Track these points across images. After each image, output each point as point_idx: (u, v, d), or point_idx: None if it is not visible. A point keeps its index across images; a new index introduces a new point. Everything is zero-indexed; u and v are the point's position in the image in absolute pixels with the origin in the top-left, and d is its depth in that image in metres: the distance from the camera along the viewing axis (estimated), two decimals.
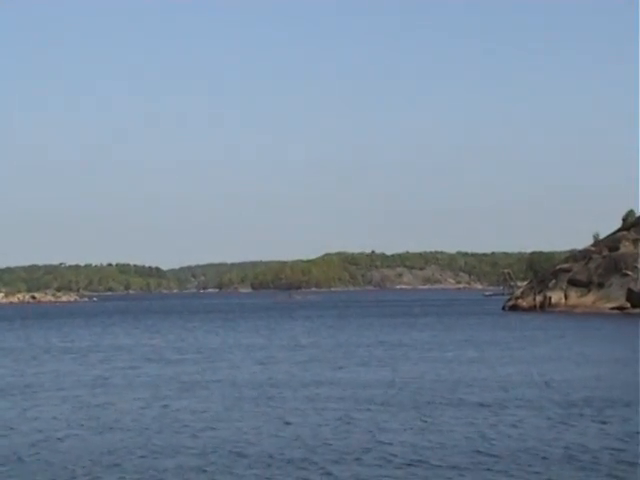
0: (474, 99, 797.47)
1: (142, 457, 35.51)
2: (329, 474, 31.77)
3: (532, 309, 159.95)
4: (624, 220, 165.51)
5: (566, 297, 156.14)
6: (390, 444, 37.22)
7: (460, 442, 37.30)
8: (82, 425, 44.04)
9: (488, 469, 31.80)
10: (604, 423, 41.32)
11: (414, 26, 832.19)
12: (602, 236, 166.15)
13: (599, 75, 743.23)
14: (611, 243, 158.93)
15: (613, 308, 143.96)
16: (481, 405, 47.99)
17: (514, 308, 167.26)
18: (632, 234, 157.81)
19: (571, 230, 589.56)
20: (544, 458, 33.35)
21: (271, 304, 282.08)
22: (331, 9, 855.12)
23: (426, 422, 42.77)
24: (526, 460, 33.15)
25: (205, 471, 32.64)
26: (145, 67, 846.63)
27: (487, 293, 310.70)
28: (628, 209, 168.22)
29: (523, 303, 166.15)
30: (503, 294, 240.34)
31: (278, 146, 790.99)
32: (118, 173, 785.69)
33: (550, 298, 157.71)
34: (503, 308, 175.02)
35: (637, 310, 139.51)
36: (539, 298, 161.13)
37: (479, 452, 35.10)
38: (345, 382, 59.92)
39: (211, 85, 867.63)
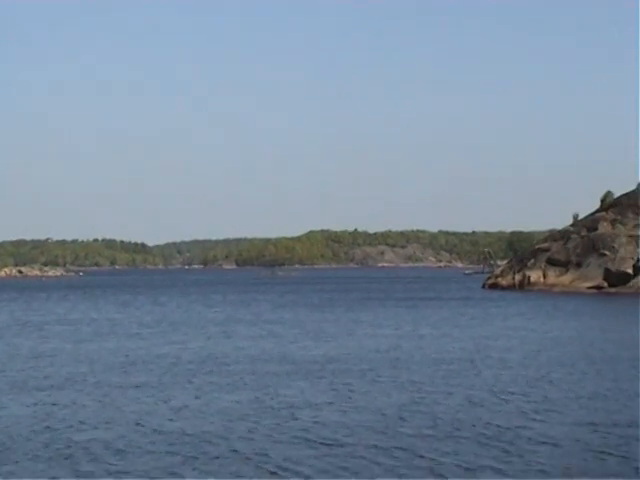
0: (457, 84, 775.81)
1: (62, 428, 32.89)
2: (234, 450, 28.98)
3: (511, 287, 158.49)
4: (602, 201, 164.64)
5: (545, 276, 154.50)
6: (305, 420, 34.62)
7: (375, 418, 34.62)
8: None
9: (401, 448, 29.15)
10: (525, 400, 38.82)
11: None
12: (581, 216, 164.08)
13: (576, 59, 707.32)
14: (589, 223, 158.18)
15: (590, 287, 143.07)
16: (412, 382, 45.20)
17: (494, 286, 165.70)
18: (610, 215, 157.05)
19: (551, 210, 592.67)
20: (456, 437, 31.00)
21: (253, 280, 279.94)
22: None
23: (349, 397, 40.15)
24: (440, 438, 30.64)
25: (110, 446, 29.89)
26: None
27: (467, 272, 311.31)
28: (606, 190, 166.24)
29: (502, 282, 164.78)
30: (483, 272, 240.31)
31: (264, 125, 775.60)
32: (103, 148, 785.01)
33: (529, 277, 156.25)
34: (483, 286, 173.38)
35: (614, 289, 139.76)
36: (518, 277, 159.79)
37: (392, 430, 32.37)
38: (286, 357, 57.09)
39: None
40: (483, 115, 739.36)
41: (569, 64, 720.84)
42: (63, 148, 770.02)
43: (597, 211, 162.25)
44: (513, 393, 40.55)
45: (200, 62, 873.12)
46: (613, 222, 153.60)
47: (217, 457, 27.72)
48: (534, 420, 33.85)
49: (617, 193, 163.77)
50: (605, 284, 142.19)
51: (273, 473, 25.76)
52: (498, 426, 32.59)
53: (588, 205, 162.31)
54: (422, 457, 27.50)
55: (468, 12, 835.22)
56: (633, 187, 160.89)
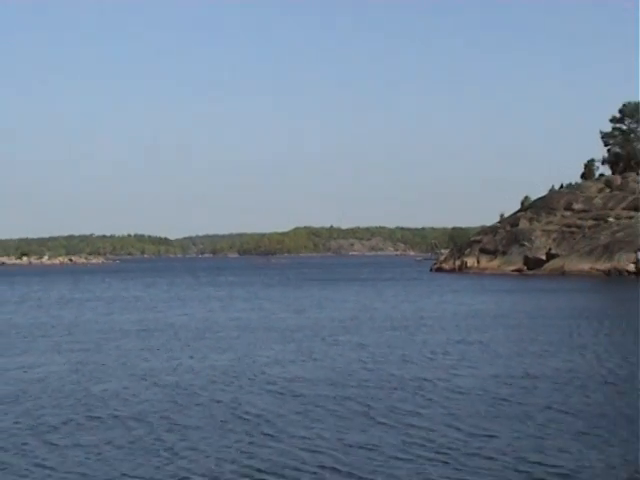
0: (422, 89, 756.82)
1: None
2: (214, 400, 28.75)
3: (452, 271, 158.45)
4: (522, 204, 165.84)
5: (478, 262, 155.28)
6: (273, 375, 34.21)
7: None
8: None
9: (346, 397, 29.04)
10: (447, 358, 38.48)
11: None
12: (506, 215, 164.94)
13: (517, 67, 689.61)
14: (512, 221, 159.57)
15: (513, 270, 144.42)
16: (361, 344, 44.92)
17: (439, 270, 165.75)
18: (528, 214, 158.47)
19: (483, 211, 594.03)
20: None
21: (251, 266, 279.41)
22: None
23: (310, 357, 39.87)
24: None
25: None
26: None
27: (418, 258, 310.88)
28: (525, 195, 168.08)
29: (445, 266, 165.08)
30: (431, 259, 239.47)
31: (260, 138, 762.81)
32: (135, 155, 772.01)
33: (466, 262, 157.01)
34: (430, 270, 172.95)
35: (531, 272, 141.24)
36: (458, 262, 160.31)
37: (341, 382, 32.17)
38: (266, 326, 56.65)
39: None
40: (430, 134, 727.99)
41: (492, 97, 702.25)
42: (103, 156, 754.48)
43: (518, 211, 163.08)
44: (438, 353, 40.47)
45: (213, 63, 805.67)
46: (530, 220, 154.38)
47: (200, 404, 27.69)
48: (453, 374, 33.72)
49: (533, 197, 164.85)
50: (524, 268, 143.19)
51: (241, 417, 25.76)
52: (424, 379, 32.38)
53: (511, 206, 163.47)
54: (360, 403, 27.44)
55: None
56: (545, 193, 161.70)
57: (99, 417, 25.91)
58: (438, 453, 20.96)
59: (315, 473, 19.33)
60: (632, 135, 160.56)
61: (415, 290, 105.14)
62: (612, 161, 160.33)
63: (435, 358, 38.72)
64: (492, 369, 34.94)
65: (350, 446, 21.87)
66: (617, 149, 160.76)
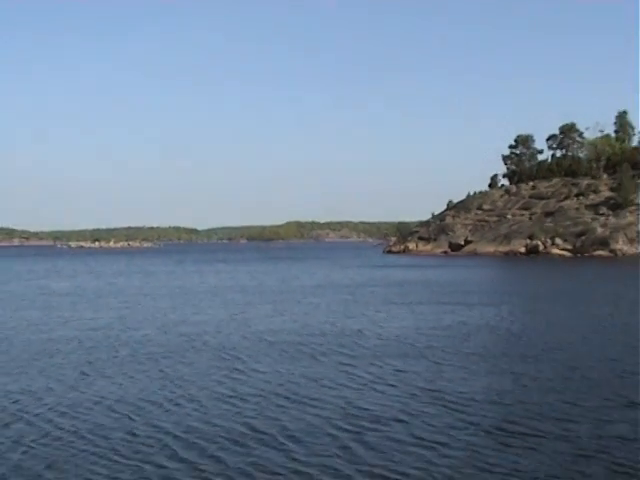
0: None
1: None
2: (206, 344, 28.20)
3: (399, 252, 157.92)
4: (447, 205, 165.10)
5: (417, 246, 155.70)
6: (254, 327, 33.74)
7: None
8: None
9: (301, 343, 28.53)
10: (375, 313, 38.02)
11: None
12: (436, 213, 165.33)
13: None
14: (441, 217, 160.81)
15: (441, 252, 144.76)
16: (316, 304, 44.33)
17: (389, 252, 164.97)
18: (452, 212, 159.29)
19: (420, 209, 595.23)
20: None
21: (256, 248, 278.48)
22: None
23: (282, 314, 39.11)
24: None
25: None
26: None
27: (375, 244, 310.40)
28: (449, 199, 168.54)
29: (394, 249, 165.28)
30: (383, 244, 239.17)
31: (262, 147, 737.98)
32: (168, 161, 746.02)
33: (408, 246, 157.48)
34: (383, 252, 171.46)
35: (454, 253, 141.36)
36: (402, 246, 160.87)
37: (302, 333, 31.64)
38: (254, 289, 56.06)
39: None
40: (386, 152, 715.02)
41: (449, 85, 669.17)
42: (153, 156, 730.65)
43: (445, 210, 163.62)
44: (369, 311, 39.75)
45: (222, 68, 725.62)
46: (453, 216, 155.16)
47: (196, 348, 27.23)
48: (381, 326, 33.21)
49: (455, 200, 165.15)
50: (449, 250, 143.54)
51: (222, 357, 25.29)
52: (359, 330, 31.96)
53: (440, 207, 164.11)
54: (309, 347, 27.01)
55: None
56: (464, 197, 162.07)
57: (122, 356, 25.55)
58: (359, 384, 20.60)
59: (268, 398, 18.94)
60: (523, 157, 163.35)
61: (370, 264, 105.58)
62: (510, 175, 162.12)
63: (366, 315, 38.05)
64: (411, 322, 34.48)
65: (297, 377, 21.52)
66: (513, 167, 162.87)
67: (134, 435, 15.81)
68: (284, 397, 19.06)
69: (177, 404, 18.50)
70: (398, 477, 13.00)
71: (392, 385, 20.24)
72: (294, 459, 14.09)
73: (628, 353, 24.54)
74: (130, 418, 17.16)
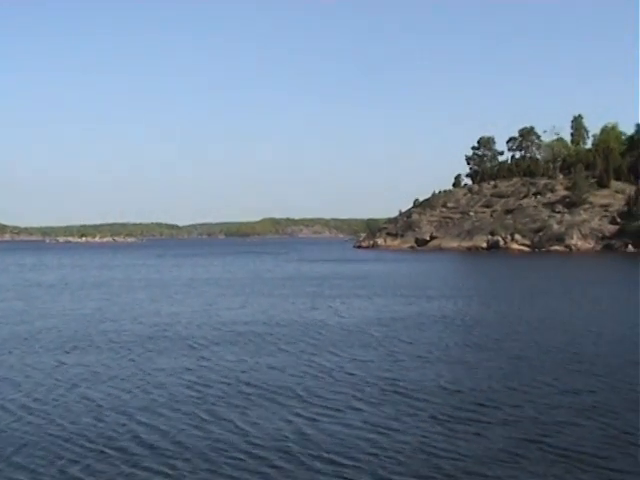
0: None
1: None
2: (165, 329, 28.00)
3: (368, 247, 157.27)
4: (414, 203, 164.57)
5: (385, 241, 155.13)
6: (218, 315, 33.65)
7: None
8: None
9: (262, 331, 28.04)
10: (340, 303, 37.95)
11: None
12: (403, 210, 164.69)
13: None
14: (408, 214, 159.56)
15: (408, 247, 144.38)
16: (282, 294, 44.23)
17: (359, 247, 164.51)
18: (418, 210, 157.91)
19: (387, 207, 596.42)
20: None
21: (233, 243, 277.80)
22: None
23: (243, 305, 38.98)
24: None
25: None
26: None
27: (345, 239, 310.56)
28: (416, 197, 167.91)
29: (364, 244, 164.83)
30: (354, 240, 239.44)
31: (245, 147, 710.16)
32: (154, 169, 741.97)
33: (377, 242, 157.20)
34: (353, 247, 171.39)
35: (420, 248, 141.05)
36: (372, 242, 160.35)
37: (264, 321, 31.38)
38: (226, 281, 56.00)
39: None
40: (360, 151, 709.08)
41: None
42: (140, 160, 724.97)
43: (411, 208, 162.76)
44: (334, 302, 39.62)
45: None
46: (419, 214, 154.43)
47: (166, 336, 27.11)
48: (341, 316, 33.25)
49: (421, 199, 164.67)
50: (415, 245, 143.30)
51: (190, 345, 25.20)
52: (320, 320, 31.95)
53: (407, 204, 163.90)
54: (273, 337, 27.01)
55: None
56: (429, 196, 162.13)
57: (97, 345, 25.37)
58: (318, 371, 20.57)
59: (231, 385, 18.88)
60: (485, 158, 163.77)
61: (343, 258, 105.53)
62: (472, 175, 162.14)
63: (336, 306, 38.05)
64: (373, 313, 34.44)
65: (260, 365, 21.43)
66: (475, 167, 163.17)
67: (101, 420, 15.69)
68: (246, 384, 18.97)
69: (145, 391, 18.39)
70: (349, 462, 12.91)
71: (350, 373, 20.17)
72: (252, 443, 14.01)
73: (574, 342, 24.64)
74: (99, 405, 17.02)
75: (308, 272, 70.17)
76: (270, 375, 20.09)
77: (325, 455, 13.27)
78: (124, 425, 15.33)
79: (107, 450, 13.70)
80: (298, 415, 15.93)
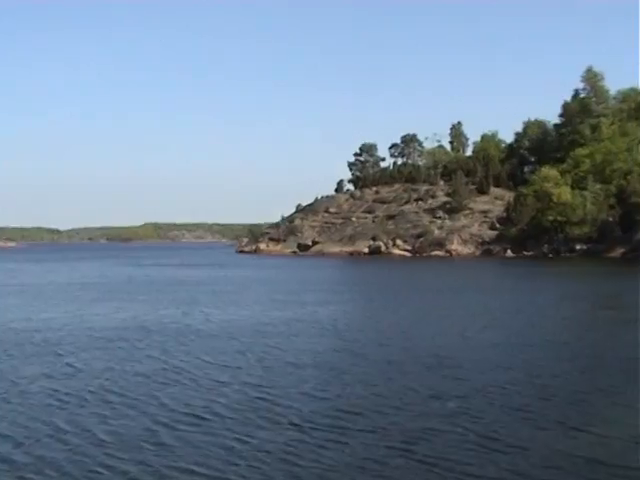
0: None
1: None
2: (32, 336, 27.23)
3: (251, 252, 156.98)
4: (296, 208, 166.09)
5: (267, 246, 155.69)
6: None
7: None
8: None
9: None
10: (221, 306, 37.75)
11: None
12: (286, 215, 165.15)
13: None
14: (290, 219, 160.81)
15: (291, 252, 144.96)
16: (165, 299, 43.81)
17: (242, 252, 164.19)
18: (300, 215, 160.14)
19: (271, 212, 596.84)
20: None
21: (114, 248, 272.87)
22: None
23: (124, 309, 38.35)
24: None
25: None
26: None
27: (228, 245, 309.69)
28: (298, 203, 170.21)
29: (246, 249, 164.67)
30: (236, 245, 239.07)
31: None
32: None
33: (259, 247, 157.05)
34: (236, 252, 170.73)
35: (302, 253, 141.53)
36: (254, 247, 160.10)
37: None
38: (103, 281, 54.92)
39: None
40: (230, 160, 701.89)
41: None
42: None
43: (294, 213, 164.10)
44: (208, 308, 39.49)
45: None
46: (302, 219, 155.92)
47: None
48: (211, 323, 33.07)
49: (304, 204, 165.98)
50: (298, 250, 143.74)
51: (60, 353, 24.66)
52: (189, 326, 31.73)
53: (290, 210, 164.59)
54: (129, 342, 26.63)
55: None
56: (312, 201, 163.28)
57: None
58: (185, 378, 20.33)
59: (94, 393, 18.48)
60: (367, 164, 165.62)
61: (225, 264, 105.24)
62: (354, 181, 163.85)
63: (209, 311, 37.62)
64: (244, 319, 34.20)
65: (125, 372, 20.99)
66: (358, 173, 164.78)
67: None
68: (109, 391, 18.55)
69: (4, 399, 17.83)
70: (208, 472, 12.71)
71: (216, 380, 19.96)
72: (109, 454, 13.66)
73: (444, 347, 24.99)
74: None
75: (185, 277, 69.71)
76: (135, 382, 19.74)
77: (184, 465, 13.05)
78: None
79: None
80: (159, 423, 15.66)
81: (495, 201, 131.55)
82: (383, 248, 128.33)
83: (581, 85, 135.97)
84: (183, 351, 24.90)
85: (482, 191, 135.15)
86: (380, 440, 14.44)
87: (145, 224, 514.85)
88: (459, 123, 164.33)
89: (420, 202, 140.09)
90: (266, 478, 12.45)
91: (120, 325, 31.94)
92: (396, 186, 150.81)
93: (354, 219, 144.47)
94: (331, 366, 21.85)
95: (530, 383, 19.20)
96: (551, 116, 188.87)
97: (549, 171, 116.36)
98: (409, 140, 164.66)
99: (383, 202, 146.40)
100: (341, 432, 14.97)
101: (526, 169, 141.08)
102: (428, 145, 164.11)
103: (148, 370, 21.46)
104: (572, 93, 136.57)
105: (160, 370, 21.46)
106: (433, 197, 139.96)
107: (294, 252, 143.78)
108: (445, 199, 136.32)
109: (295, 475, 12.56)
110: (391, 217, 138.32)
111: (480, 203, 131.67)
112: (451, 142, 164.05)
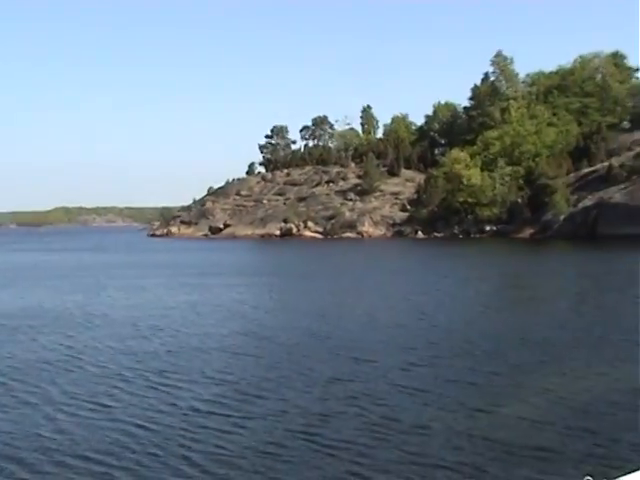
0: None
1: None
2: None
3: (163, 236, 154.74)
4: (208, 191, 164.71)
5: (179, 229, 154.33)
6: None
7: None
8: None
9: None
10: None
11: None
12: (197, 198, 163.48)
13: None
14: (202, 202, 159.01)
15: (202, 235, 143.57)
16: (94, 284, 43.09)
17: (154, 235, 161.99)
18: (212, 198, 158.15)
19: (183, 195, 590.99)
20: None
21: (25, 233, 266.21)
22: None
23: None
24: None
25: None
26: None
27: (140, 228, 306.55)
28: (210, 185, 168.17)
29: (158, 232, 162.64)
30: (148, 229, 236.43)
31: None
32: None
33: (171, 230, 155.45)
34: (147, 235, 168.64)
35: (214, 236, 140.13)
36: (165, 230, 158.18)
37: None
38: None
39: None
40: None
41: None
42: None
43: (205, 196, 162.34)
44: (116, 292, 39.13)
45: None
46: (213, 202, 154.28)
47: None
48: (117, 308, 32.81)
49: (215, 187, 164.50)
50: (209, 233, 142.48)
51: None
52: (92, 311, 31.35)
53: (201, 193, 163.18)
54: (36, 327, 26.22)
55: None
56: (223, 184, 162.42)
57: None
58: (86, 363, 20.18)
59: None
60: (278, 147, 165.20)
61: (137, 247, 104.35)
62: (266, 164, 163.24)
63: (115, 296, 37.39)
64: (150, 304, 33.99)
65: (24, 360, 20.75)
66: (269, 156, 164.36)
67: None
68: (9, 378, 18.40)
69: None
70: (107, 459, 12.67)
71: (119, 365, 19.88)
72: (10, 445, 13.54)
73: (350, 329, 25.23)
74: None
75: (93, 262, 68.65)
76: (37, 369, 19.63)
77: (82, 452, 13.02)
78: None
79: None
80: (60, 411, 15.60)
81: (406, 183, 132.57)
82: (294, 230, 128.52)
83: (491, 69, 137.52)
84: (88, 337, 24.66)
85: (393, 173, 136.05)
86: (282, 423, 14.55)
87: (55, 208, 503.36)
88: (369, 106, 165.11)
89: (331, 184, 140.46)
90: (164, 464, 12.46)
91: (23, 312, 31.38)
92: (307, 168, 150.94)
93: (265, 202, 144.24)
94: (235, 350, 21.91)
95: (433, 364, 19.54)
96: (461, 99, 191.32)
97: (459, 153, 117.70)
98: (320, 122, 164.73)
99: (294, 184, 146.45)
100: (243, 416, 15.06)
101: (437, 151, 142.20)
102: (339, 127, 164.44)
103: (51, 357, 21.23)
104: (482, 77, 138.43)
105: (63, 356, 21.25)
106: (344, 179, 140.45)
107: (206, 235, 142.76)
108: (356, 181, 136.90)
109: (194, 461, 12.57)
110: (302, 199, 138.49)
111: (391, 185, 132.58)
112: (362, 124, 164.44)
